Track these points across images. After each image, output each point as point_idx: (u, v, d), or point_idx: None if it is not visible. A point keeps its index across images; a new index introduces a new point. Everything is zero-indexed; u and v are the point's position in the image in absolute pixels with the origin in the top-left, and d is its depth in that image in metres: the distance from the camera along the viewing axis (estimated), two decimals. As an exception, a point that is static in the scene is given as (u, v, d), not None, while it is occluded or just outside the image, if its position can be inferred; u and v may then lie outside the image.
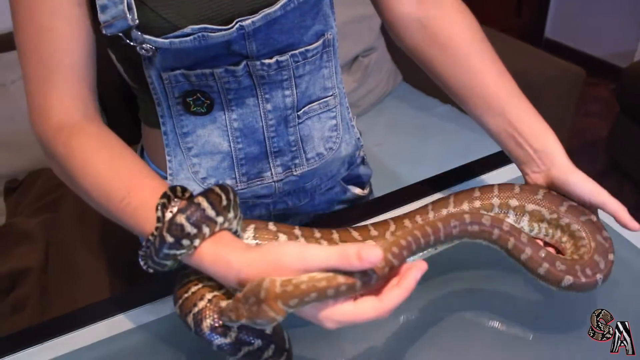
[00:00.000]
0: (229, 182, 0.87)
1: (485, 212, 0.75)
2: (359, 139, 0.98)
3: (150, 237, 0.60)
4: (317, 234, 0.76)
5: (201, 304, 0.60)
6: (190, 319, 0.60)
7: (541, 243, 0.71)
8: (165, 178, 0.87)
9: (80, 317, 0.81)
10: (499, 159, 0.99)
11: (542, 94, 1.76)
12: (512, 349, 0.65)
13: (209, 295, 0.61)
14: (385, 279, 0.57)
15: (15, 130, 1.60)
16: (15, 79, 1.59)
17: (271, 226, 0.75)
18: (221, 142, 0.84)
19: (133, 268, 1.13)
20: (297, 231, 0.76)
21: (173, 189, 0.63)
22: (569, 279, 0.64)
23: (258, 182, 0.88)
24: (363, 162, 1.04)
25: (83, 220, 1.28)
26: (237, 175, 0.86)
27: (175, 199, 0.62)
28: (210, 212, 0.59)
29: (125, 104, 1.42)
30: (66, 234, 1.27)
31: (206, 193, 0.60)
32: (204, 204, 0.59)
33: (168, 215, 0.61)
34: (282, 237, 0.74)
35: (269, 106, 0.82)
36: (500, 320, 0.69)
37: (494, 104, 0.79)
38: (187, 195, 0.64)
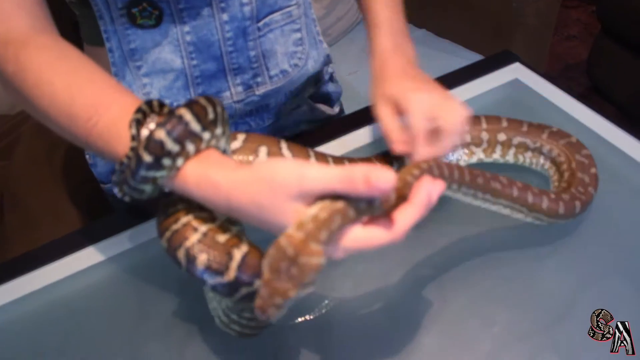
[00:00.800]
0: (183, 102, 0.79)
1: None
2: (328, 55, 0.90)
3: (125, 160, 0.52)
4: (330, 160, 0.69)
5: (194, 238, 0.52)
6: (181, 254, 0.52)
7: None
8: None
9: (39, 256, 0.75)
10: (470, 73, 0.96)
11: (521, 14, 1.69)
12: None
13: (203, 228, 0.53)
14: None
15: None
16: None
17: (285, 151, 0.67)
18: (173, 58, 0.76)
19: (93, 205, 1.07)
20: (311, 155, 0.68)
21: (149, 103, 0.54)
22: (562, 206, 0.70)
23: None
24: (332, 79, 0.96)
25: (36, 165, 1.21)
26: (192, 95, 0.79)
27: (152, 114, 0.54)
28: (195, 127, 0.50)
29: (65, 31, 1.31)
30: (20, 180, 1.19)
31: (190, 104, 0.51)
32: (187, 116, 0.50)
33: (144, 132, 0.52)
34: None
35: (225, 16, 0.74)
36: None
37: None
38: (165, 110, 0.55)
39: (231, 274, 0.51)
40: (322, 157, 0.69)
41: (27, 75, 0.57)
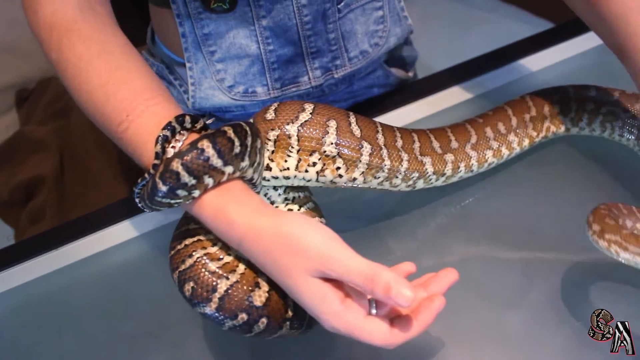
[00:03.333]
0: (259, 89, 0.76)
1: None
2: (410, 24, 0.86)
3: (146, 175, 0.50)
4: (399, 142, 0.65)
5: (189, 262, 0.51)
6: (175, 276, 0.52)
7: None
8: (183, 66, 0.77)
9: (97, 220, 0.75)
10: (540, 42, 0.92)
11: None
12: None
13: (200, 253, 0.51)
14: None
15: (20, 35, 1.50)
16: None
17: (354, 127, 0.61)
18: (249, 43, 0.73)
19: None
20: (380, 137, 0.63)
21: (180, 118, 0.51)
22: None
23: (294, 88, 0.77)
24: (407, 42, 0.91)
25: (95, 126, 1.20)
26: (268, 81, 0.76)
27: (182, 132, 0.51)
28: (216, 162, 0.48)
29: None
30: (79, 141, 1.19)
31: (215, 136, 0.48)
32: (209, 151, 0.47)
33: (170, 151, 0.50)
34: (366, 147, 0.61)
35: (303, 0, 0.70)
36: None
37: None
38: (197, 127, 0.52)
39: (213, 305, 0.50)
40: (389, 131, 0.64)
41: (68, 67, 0.57)
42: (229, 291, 0.50)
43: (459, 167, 0.68)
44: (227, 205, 0.49)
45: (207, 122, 0.55)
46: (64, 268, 0.72)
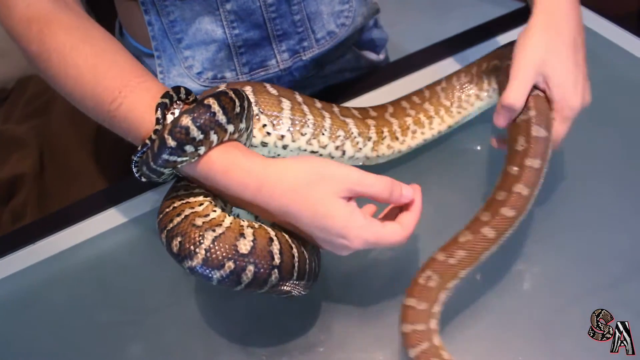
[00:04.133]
0: (228, 74, 0.77)
1: None
2: (377, 9, 0.86)
3: (147, 141, 0.52)
4: (318, 104, 0.67)
5: (176, 220, 0.52)
6: (163, 235, 0.53)
7: None
8: (152, 57, 0.77)
9: (77, 211, 0.76)
10: (515, 20, 0.91)
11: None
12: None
13: (187, 212, 0.53)
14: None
15: (-4, 35, 1.49)
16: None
17: (270, 89, 0.64)
18: (214, 28, 0.73)
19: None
20: (298, 97, 0.66)
21: (176, 89, 0.54)
22: None
23: (262, 72, 0.78)
24: (376, 24, 0.92)
25: (75, 121, 1.20)
26: (236, 66, 0.76)
27: (178, 101, 0.54)
28: (221, 118, 0.51)
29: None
30: (59, 137, 1.19)
31: (219, 95, 0.52)
32: (215, 107, 0.51)
33: (169, 117, 0.53)
34: (285, 102, 0.64)
35: None
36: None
37: None
38: (191, 98, 0.55)
39: (200, 257, 0.51)
40: (308, 97, 0.67)
41: (52, 56, 0.57)
42: (215, 242, 0.51)
43: (382, 132, 0.69)
44: (237, 159, 0.52)
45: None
46: (42, 261, 0.72)
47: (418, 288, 0.57)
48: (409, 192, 0.56)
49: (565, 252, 0.66)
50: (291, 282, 0.54)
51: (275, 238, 0.53)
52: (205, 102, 0.51)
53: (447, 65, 0.85)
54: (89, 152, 1.13)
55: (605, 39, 0.87)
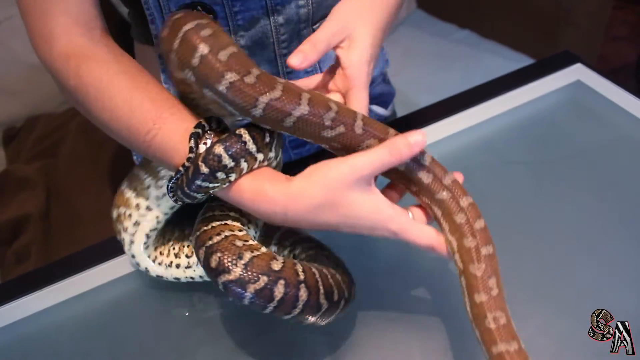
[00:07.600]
0: None
1: None
2: (387, 60, 0.88)
3: (181, 168, 0.55)
4: None
5: (217, 239, 0.56)
6: (201, 252, 0.57)
7: None
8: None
9: (85, 259, 0.74)
10: (520, 78, 0.92)
11: (571, 15, 1.64)
12: None
13: (227, 232, 0.57)
14: None
15: (7, 74, 1.51)
16: (1, 19, 1.49)
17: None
18: None
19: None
20: None
21: (209, 119, 0.58)
22: None
23: None
24: (384, 79, 0.94)
25: (82, 163, 1.21)
26: None
27: (210, 131, 0.57)
28: (251, 147, 0.54)
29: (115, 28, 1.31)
30: (66, 178, 1.20)
31: (249, 126, 0.55)
32: (246, 136, 0.54)
33: (202, 147, 0.56)
34: None
35: (280, 19, 0.73)
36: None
37: None
38: (222, 126, 0.58)
39: (237, 271, 0.54)
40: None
41: (89, 90, 0.59)
42: (253, 260, 0.55)
43: None
44: (264, 185, 0.54)
45: None
46: (49, 308, 0.71)
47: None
48: (418, 137, 0.52)
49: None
50: (316, 301, 0.56)
51: (300, 265, 0.57)
52: (237, 131, 0.55)
53: (452, 123, 0.86)
54: (96, 194, 1.14)
55: (603, 96, 0.89)
